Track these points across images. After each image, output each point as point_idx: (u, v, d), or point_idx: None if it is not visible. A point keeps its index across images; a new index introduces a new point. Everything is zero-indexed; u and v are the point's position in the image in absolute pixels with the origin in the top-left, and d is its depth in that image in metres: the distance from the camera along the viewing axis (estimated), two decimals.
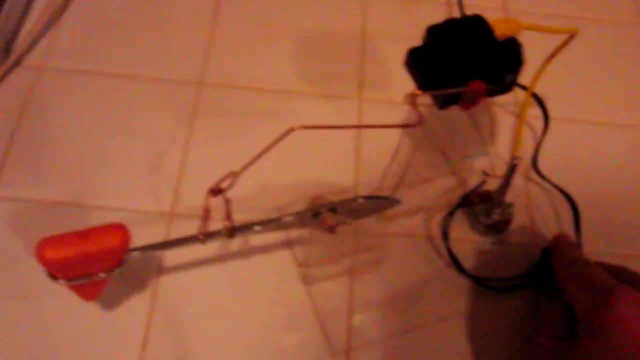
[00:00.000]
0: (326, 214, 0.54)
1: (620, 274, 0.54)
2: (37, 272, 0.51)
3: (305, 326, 0.58)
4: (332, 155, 0.66)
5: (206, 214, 0.51)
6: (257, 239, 0.61)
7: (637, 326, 0.47)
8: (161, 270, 0.60)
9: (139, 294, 0.58)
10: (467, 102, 0.52)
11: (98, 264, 0.51)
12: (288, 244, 0.61)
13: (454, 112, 0.64)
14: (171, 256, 0.60)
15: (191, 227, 0.54)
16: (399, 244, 0.62)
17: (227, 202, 0.51)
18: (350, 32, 0.75)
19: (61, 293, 0.53)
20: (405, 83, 0.56)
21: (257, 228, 0.54)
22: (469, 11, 0.56)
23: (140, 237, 0.54)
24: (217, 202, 0.52)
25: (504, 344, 0.59)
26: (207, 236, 0.53)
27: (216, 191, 0.49)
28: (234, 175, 0.49)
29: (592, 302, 0.50)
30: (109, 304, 0.58)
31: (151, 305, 0.58)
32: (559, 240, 0.60)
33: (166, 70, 0.70)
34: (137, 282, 0.59)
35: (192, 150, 0.66)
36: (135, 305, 0.58)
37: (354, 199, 0.55)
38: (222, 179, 0.49)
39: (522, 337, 0.59)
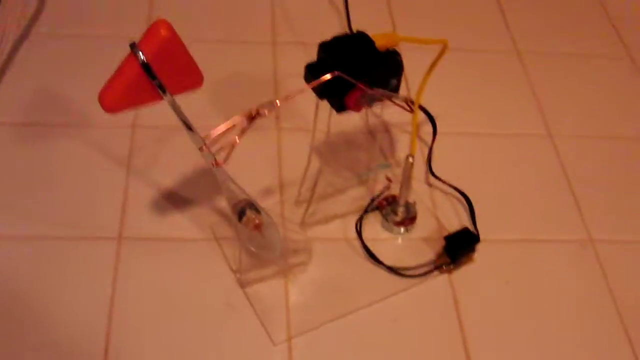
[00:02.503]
0: (250, 213, 0.62)
1: None
2: None
3: (246, 323, 0.65)
4: (255, 176, 0.76)
5: (230, 127, 0.57)
6: (197, 250, 0.69)
7: None
8: (117, 275, 0.66)
9: (97, 299, 0.65)
10: (358, 105, 0.62)
11: (171, 79, 0.55)
12: (222, 253, 0.69)
13: (357, 134, 0.75)
14: (124, 264, 0.67)
15: None
16: (320, 247, 0.71)
17: (245, 129, 0.57)
18: (263, 74, 0.86)
19: None
20: (312, 113, 0.67)
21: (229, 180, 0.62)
22: None
23: None
24: None
25: (423, 319, 0.67)
26: (207, 147, 0.59)
27: (254, 116, 0.56)
28: (277, 102, 0.56)
29: None
30: (69, 312, 0.64)
31: (110, 308, 0.64)
32: None
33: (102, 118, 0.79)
34: (95, 288, 0.66)
35: (132, 189, 0.74)
36: (95, 311, 0.64)
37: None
38: (263, 105, 0.57)
39: (437, 314, 0.68)
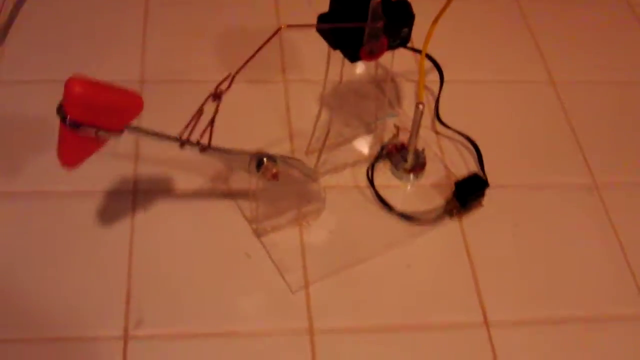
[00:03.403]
0: (268, 163, 0.63)
1: None
2: None
3: (264, 271, 0.66)
4: (266, 129, 0.77)
5: (198, 114, 0.58)
6: (211, 202, 0.70)
7: None
8: (134, 230, 0.68)
9: (116, 251, 0.66)
10: (371, 55, 0.62)
11: (107, 120, 0.55)
12: (236, 204, 0.70)
13: (364, 84, 0.75)
14: (140, 219, 0.68)
15: None
16: (333, 195, 0.72)
17: (217, 108, 0.58)
18: (265, 26, 0.86)
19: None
20: (317, 64, 0.67)
21: (224, 153, 0.62)
22: None
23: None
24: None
25: (436, 264, 0.69)
26: (186, 141, 0.59)
27: (217, 95, 0.56)
28: (231, 76, 0.56)
29: None
30: (90, 263, 0.65)
31: (129, 261, 0.65)
32: None
33: (109, 72, 0.79)
34: (113, 241, 0.67)
35: (142, 141, 0.74)
36: (114, 261, 0.65)
37: (284, 157, 0.65)
38: (221, 83, 0.56)
39: (450, 258, 0.69)
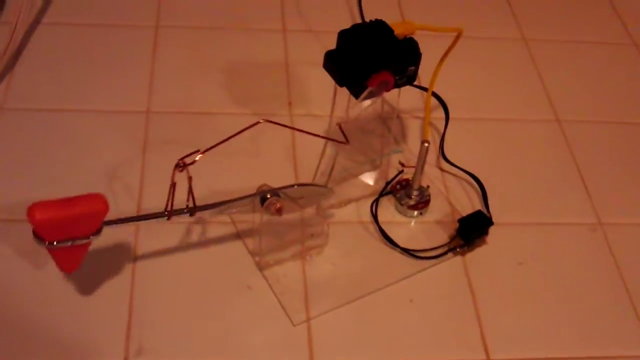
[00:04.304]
0: (272, 198, 0.63)
1: None
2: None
3: (265, 304, 0.66)
4: (272, 164, 0.77)
5: (172, 188, 0.58)
6: (214, 234, 0.70)
7: None
8: (136, 259, 0.68)
9: (118, 280, 0.66)
10: (380, 91, 0.63)
11: (80, 228, 0.57)
12: (240, 236, 0.70)
13: (370, 120, 0.76)
14: (143, 248, 0.68)
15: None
16: (336, 230, 0.72)
17: (189, 179, 0.59)
18: (273, 59, 0.87)
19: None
20: (324, 100, 0.68)
21: (215, 208, 0.63)
22: None
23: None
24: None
25: (438, 300, 0.68)
26: (172, 212, 0.60)
27: (181, 166, 0.57)
28: (199, 153, 0.57)
29: None
30: (92, 291, 0.65)
31: (131, 290, 0.65)
32: None
33: (116, 102, 0.81)
34: (115, 270, 0.67)
35: (148, 171, 0.74)
36: (116, 290, 0.65)
37: (294, 185, 0.65)
38: (188, 155, 0.57)
39: (453, 294, 0.69)
